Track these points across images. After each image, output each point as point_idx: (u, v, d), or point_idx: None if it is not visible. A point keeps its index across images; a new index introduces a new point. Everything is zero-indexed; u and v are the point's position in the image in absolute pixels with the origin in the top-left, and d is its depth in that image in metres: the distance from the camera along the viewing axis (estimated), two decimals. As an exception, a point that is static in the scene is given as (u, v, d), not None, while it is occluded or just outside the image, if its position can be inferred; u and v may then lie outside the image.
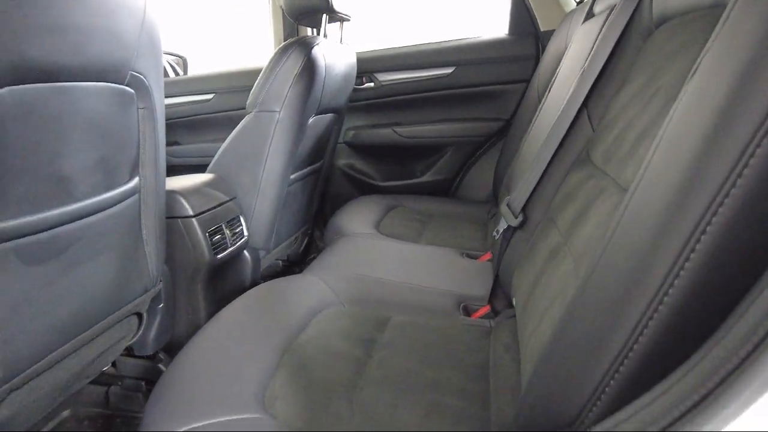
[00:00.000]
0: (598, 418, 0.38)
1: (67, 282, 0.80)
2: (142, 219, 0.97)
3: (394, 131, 2.02)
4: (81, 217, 0.79)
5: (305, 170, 1.63)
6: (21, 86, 0.64)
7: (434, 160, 2.08)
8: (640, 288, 0.36)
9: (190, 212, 1.20)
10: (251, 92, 1.39)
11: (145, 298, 1.03)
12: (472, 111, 1.99)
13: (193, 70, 2.45)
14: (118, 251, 0.91)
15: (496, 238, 1.11)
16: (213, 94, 2.09)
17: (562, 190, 0.88)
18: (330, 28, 1.65)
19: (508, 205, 1.07)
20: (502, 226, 1.08)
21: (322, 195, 1.95)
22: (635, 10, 0.84)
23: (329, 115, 1.65)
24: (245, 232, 1.38)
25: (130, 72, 0.82)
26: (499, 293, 1.11)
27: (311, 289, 1.05)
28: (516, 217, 1.03)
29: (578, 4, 1.60)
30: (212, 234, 1.24)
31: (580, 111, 0.92)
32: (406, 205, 1.83)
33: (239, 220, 1.37)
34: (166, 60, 2.34)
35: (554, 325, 0.51)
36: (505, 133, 1.91)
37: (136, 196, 0.94)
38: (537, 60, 1.86)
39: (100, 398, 1.20)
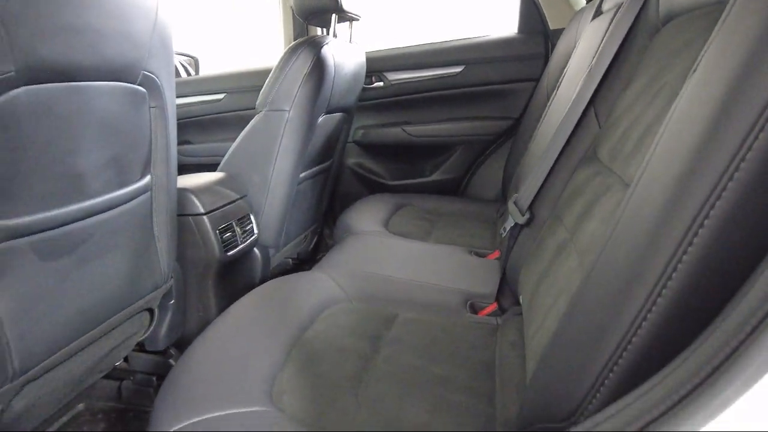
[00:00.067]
0: (597, 410, 0.38)
1: (81, 277, 0.82)
2: (154, 216, 0.99)
3: (403, 130, 2.03)
4: (94, 214, 0.81)
5: (314, 169, 1.65)
6: (36, 86, 0.65)
7: (443, 159, 2.08)
8: (638, 282, 0.37)
9: (201, 210, 1.22)
10: (261, 92, 1.41)
11: (156, 294, 1.04)
12: (482, 110, 1.99)
13: (205, 71, 2.48)
14: (130, 248, 0.92)
15: (503, 235, 1.12)
16: (224, 94, 2.11)
17: (569, 187, 0.88)
18: (339, 27, 1.66)
19: (515, 202, 1.08)
20: (509, 223, 1.08)
21: (331, 194, 1.97)
22: (642, 7, 0.84)
23: (338, 115, 1.67)
24: (255, 230, 1.40)
25: (142, 72, 0.84)
26: (507, 291, 1.11)
27: (319, 286, 1.06)
28: (523, 215, 1.03)
29: (588, 2, 1.60)
30: (223, 231, 1.26)
31: (587, 109, 0.92)
32: (415, 203, 1.84)
33: (249, 218, 1.38)
34: (178, 60, 2.37)
35: (557, 321, 0.52)
36: (514, 132, 1.91)
37: (148, 193, 0.95)
38: (546, 59, 1.86)
39: (113, 392, 1.22)
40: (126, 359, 1.22)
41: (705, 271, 0.34)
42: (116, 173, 0.84)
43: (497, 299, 1.09)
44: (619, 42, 0.87)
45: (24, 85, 0.64)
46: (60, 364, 0.84)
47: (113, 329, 0.95)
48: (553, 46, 1.82)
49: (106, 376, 1.18)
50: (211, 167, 1.47)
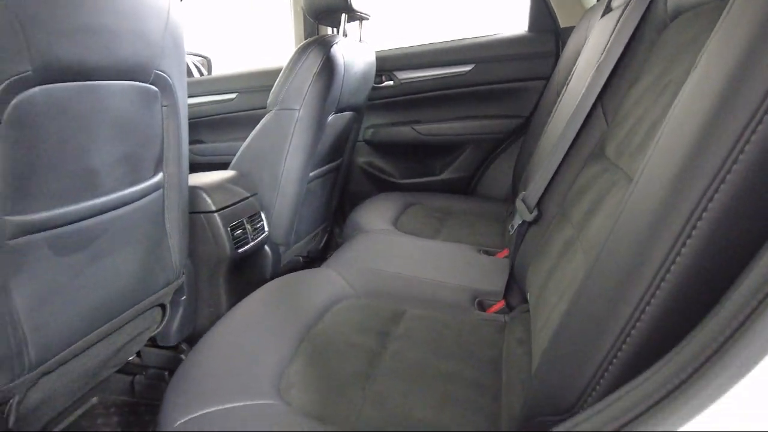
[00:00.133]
0: (598, 401, 0.39)
1: (95, 272, 0.83)
2: (166, 213, 1.00)
3: (413, 129, 2.03)
4: (108, 210, 0.83)
5: (324, 168, 1.66)
6: (52, 85, 0.67)
7: (453, 157, 2.08)
8: (638, 275, 0.37)
9: (213, 207, 1.23)
10: (272, 91, 1.42)
11: (168, 290, 1.06)
12: (492, 108, 1.99)
13: (217, 71, 2.50)
14: (142, 244, 0.94)
15: (511, 233, 1.12)
16: (236, 94, 2.14)
17: (576, 184, 0.88)
18: (350, 27, 1.67)
19: (523, 200, 1.08)
20: (517, 221, 1.08)
21: (341, 192, 1.98)
22: (651, 3, 0.83)
23: (348, 113, 1.68)
24: (266, 228, 1.41)
25: (154, 71, 0.85)
26: (515, 289, 1.12)
27: (328, 282, 1.07)
28: (531, 212, 1.03)
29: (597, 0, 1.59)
30: (234, 229, 1.27)
31: (594, 106, 0.92)
32: (425, 202, 1.84)
33: (260, 216, 1.40)
34: (191, 61, 2.40)
35: (561, 316, 0.52)
36: (524, 130, 1.91)
37: (160, 191, 0.97)
38: (557, 57, 1.85)
39: (126, 387, 1.24)
40: (139, 354, 1.24)
41: (704, 264, 0.34)
42: (129, 171, 0.86)
43: (505, 297, 1.09)
44: (626, 39, 0.86)
45: (40, 85, 0.66)
46: (74, 357, 0.86)
47: (126, 324, 0.97)
48: (564, 44, 1.81)
49: (120, 371, 1.20)
50: (224, 166, 1.49)
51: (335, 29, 1.65)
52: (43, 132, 0.68)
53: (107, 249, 0.85)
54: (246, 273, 1.38)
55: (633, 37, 0.86)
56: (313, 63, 1.37)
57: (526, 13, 1.90)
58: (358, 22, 1.70)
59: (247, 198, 1.36)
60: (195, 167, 1.60)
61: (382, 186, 2.11)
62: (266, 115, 1.43)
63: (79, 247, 0.79)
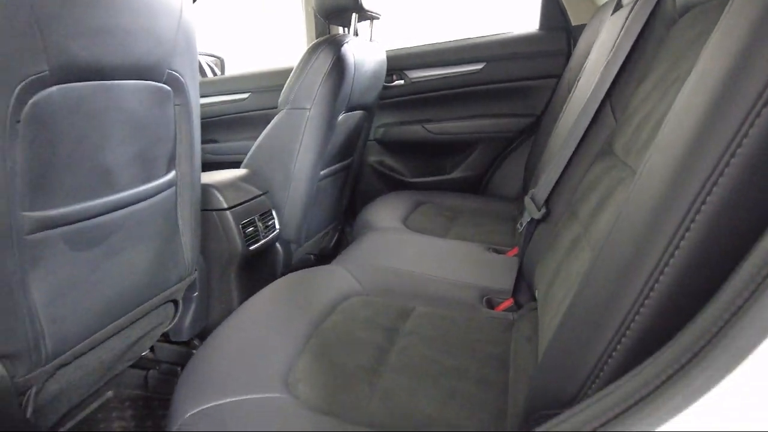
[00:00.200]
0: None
1: (110, 267, 0.86)
2: (179, 210, 1.02)
3: (424, 128, 2.04)
4: (122, 207, 0.85)
5: (335, 167, 1.67)
6: (68, 84, 0.69)
7: (464, 156, 2.08)
8: (638, 268, 0.37)
9: (225, 205, 1.25)
10: (283, 90, 1.44)
11: (180, 286, 1.08)
12: (503, 107, 1.99)
13: (231, 71, 2.53)
14: (156, 240, 0.96)
15: (520, 231, 1.12)
16: (248, 93, 2.16)
17: (584, 182, 0.88)
18: (361, 26, 1.68)
19: (531, 198, 1.08)
20: (526, 219, 1.08)
21: (352, 191, 1.99)
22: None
23: (359, 112, 1.69)
24: (277, 225, 1.43)
25: (167, 70, 0.87)
26: (523, 287, 1.12)
27: (337, 279, 1.08)
28: (539, 210, 1.03)
29: (609, -3, 1.58)
30: (245, 226, 1.29)
31: (603, 103, 0.92)
32: (435, 201, 1.84)
33: (271, 214, 1.42)
34: (205, 61, 2.43)
35: (565, 310, 0.52)
36: (535, 129, 1.90)
37: (173, 188, 0.99)
38: (568, 55, 1.84)
39: (140, 381, 1.27)
40: (152, 349, 1.27)
41: (702, 257, 0.34)
42: (142, 168, 0.88)
43: (514, 295, 1.09)
44: (635, 35, 0.86)
45: (57, 84, 0.67)
46: (90, 351, 0.88)
47: (140, 319, 0.99)
48: (575, 42, 1.80)
49: (134, 366, 1.23)
50: (237, 165, 1.51)
51: (346, 29, 1.66)
52: (59, 130, 0.70)
53: (121, 245, 0.87)
54: (257, 270, 1.39)
55: (642, 34, 0.86)
56: (323, 62, 1.38)
57: (537, 11, 1.90)
58: (369, 21, 1.71)
59: (259, 196, 1.38)
60: (209, 166, 1.63)
61: (392, 185, 2.11)
62: (277, 115, 1.44)
63: (94, 243, 0.81)
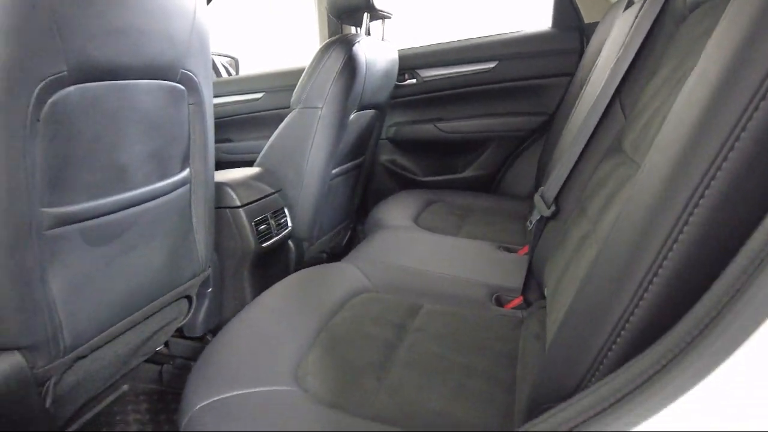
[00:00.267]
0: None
1: (125, 263, 0.88)
2: (192, 208, 1.04)
3: (436, 127, 2.04)
4: (137, 204, 0.87)
5: (347, 165, 1.68)
6: (85, 84, 0.71)
7: (476, 155, 2.08)
8: (637, 262, 0.38)
9: (238, 203, 1.27)
10: (295, 89, 1.45)
11: (194, 282, 1.10)
12: (515, 106, 1.98)
13: (245, 71, 2.56)
14: (170, 237, 0.98)
15: (530, 228, 1.12)
16: (262, 93, 2.18)
17: (593, 179, 0.88)
18: (373, 26, 1.69)
19: (541, 195, 1.08)
20: (535, 216, 1.08)
21: (364, 190, 2.00)
22: None
23: (371, 111, 1.70)
24: (289, 223, 1.45)
25: (181, 70, 0.89)
26: (533, 284, 1.11)
27: (347, 276, 1.09)
28: (548, 208, 1.03)
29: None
30: (258, 224, 1.31)
31: (613, 100, 0.91)
32: (447, 199, 1.85)
33: (284, 212, 1.43)
34: (219, 61, 2.46)
35: (569, 306, 0.53)
36: (548, 127, 1.89)
37: (187, 186, 1.01)
38: (581, 53, 1.82)
39: (154, 375, 1.30)
40: (167, 345, 1.29)
41: (702, 250, 0.34)
42: (157, 166, 0.90)
43: (524, 293, 1.09)
44: (645, 32, 0.86)
45: (75, 84, 0.70)
46: (106, 344, 0.90)
47: (154, 314, 1.01)
48: (588, 40, 1.79)
49: (149, 360, 1.25)
50: (251, 164, 1.54)
51: (358, 28, 1.67)
52: (76, 129, 0.72)
53: (136, 241, 0.89)
54: (270, 267, 1.41)
55: (652, 30, 0.86)
56: (335, 62, 1.40)
57: (549, 9, 1.89)
58: (381, 20, 1.72)
59: (272, 194, 1.40)
60: (224, 165, 1.65)
61: (404, 184, 2.12)
62: (290, 114, 1.46)
63: (110, 239, 0.84)
